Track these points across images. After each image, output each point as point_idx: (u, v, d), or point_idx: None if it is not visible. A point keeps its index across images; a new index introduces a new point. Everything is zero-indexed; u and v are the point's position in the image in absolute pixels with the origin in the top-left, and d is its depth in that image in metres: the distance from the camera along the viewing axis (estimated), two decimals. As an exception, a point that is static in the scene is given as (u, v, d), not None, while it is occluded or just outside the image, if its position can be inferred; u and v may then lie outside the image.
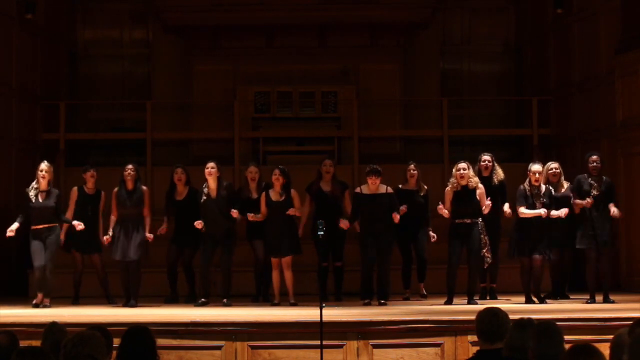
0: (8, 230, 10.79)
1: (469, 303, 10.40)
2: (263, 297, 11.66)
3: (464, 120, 16.03)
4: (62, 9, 15.61)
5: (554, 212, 10.50)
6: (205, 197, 10.83)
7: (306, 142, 15.03)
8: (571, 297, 11.53)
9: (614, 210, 10.62)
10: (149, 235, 10.81)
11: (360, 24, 15.31)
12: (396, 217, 10.65)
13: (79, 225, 10.88)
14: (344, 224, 10.78)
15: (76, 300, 11.56)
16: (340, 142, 15.06)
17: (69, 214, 11.33)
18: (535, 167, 10.70)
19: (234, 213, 10.72)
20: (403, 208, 10.84)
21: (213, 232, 10.80)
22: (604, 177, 10.83)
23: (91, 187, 11.56)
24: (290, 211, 10.78)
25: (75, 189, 11.64)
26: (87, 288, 11.81)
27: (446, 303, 10.48)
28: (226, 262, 10.89)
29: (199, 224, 10.73)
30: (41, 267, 10.70)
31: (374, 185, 10.75)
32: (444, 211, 10.51)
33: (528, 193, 10.59)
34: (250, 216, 10.86)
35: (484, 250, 10.56)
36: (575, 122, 14.21)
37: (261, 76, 15.39)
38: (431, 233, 11.44)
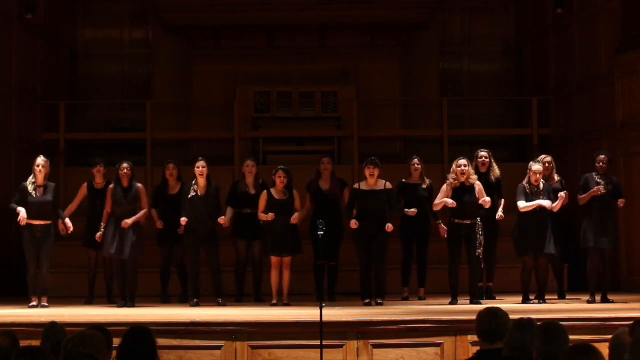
0: (20, 212, 10.68)
1: (472, 303, 10.40)
2: (255, 298, 11.64)
3: (464, 120, 16.03)
4: (62, 9, 15.61)
5: (543, 202, 10.47)
6: (193, 194, 10.84)
7: (306, 142, 15.03)
8: (568, 297, 11.57)
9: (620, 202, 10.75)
10: (127, 222, 10.63)
11: (360, 24, 15.31)
12: (389, 228, 10.58)
13: (68, 225, 10.86)
14: (354, 224, 10.69)
15: (90, 299, 11.57)
16: (340, 142, 15.06)
17: (71, 207, 11.45)
18: (536, 167, 10.69)
19: (222, 220, 10.77)
20: (414, 210, 10.80)
21: (196, 231, 10.80)
22: (612, 177, 10.88)
23: (100, 181, 11.60)
24: (294, 219, 10.80)
25: (85, 185, 11.69)
26: (86, 288, 11.82)
27: (451, 303, 10.48)
28: (215, 262, 10.92)
29: (183, 221, 10.73)
30: (35, 267, 10.67)
31: (373, 179, 10.71)
32: (449, 201, 10.47)
33: (528, 191, 10.60)
34: (263, 217, 10.88)
35: (480, 250, 10.57)
36: (575, 122, 14.21)
37: (261, 76, 15.39)
38: (442, 226, 11.16)
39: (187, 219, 10.77)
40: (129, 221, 10.65)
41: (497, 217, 10.92)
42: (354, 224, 10.60)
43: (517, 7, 16.26)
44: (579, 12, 14.15)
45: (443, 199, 10.50)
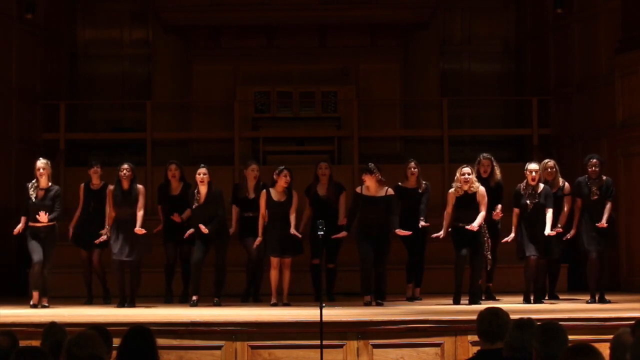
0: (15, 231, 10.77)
1: (471, 303, 10.40)
2: (253, 298, 11.65)
3: (464, 120, 16.03)
4: (62, 9, 15.61)
5: (547, 231, 10.55)
6: (196, 204, 10.84)
7: (306, 142, 15.02)
8: (568, 297, 11.57)
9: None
10: (140, 230, 10.64)
11: (360, 24, 15.31)
12: (401, 232, 10.73)
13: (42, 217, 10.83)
14: (341, 234, 10.81)
15: (90, 299, 11.57)
16: (340, 142, 15.06)
17: (78, 211, 11.49)
18: (532, 165, 10.72)
19: (203, 229, 10.73)
20: (407, 232, 10.83)
21: (202, 234, 10.78)
22: (604, 177, 10.86)
23: (96, 182, 11.60)
24: (294, 232, 10.82)
25: (82, 186, 11.70)
26: (85, 288, 11.81)
27: (454, 302, 10.50)
28: (221, 261, 10.89)
29: (204, 229, 10.70)
30: (40, 262, 10.65)
31: (371, 184, 10.70)
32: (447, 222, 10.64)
33: (523, 192, 10.63)
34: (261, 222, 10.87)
35: (487, 253, 10.62)
36: (575, 122, 14.21)
37: (261, 76, 15.38)
38: (422, 223, 11.22)
39: (192, 230, 10.73)
40: (140, 230, 10.62)
41: (492, 216, 10.96)
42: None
43: (517, 7, 16.26)
44: (579, 12, 14.15)
45: (436, 234, 10.67)
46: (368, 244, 10.62)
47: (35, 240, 10.71)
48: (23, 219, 10.77)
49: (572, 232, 10.96)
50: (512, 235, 10.67)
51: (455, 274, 10.64)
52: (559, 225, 10.87)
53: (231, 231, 11.32)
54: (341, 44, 15.49)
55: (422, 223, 11.17)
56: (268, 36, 15.55)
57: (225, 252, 10.98)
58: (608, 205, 10.74)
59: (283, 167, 11.02)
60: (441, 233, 10.68)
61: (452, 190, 10.69)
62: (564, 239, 11.00)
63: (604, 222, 10.61)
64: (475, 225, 10.45)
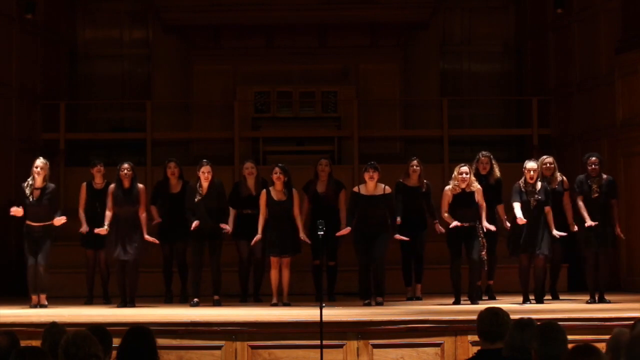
0: (14, 209, 10.68)
1: (472, 303, 10.40)
2: (254, 298, 11.64)
3: (464, 120, 16.03)
4: (62, 9, 15.61)
5: (555, 232, 10.52)
6: (198, 197, 10.83)
7: (306, 142, 15.03)
8: (568, 297, 11.58)
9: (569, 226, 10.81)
10: (149, 238, 10.77)
11: (360, 24, 15.32)
12: (399, 238, 10.79)
13: (58, 222, 10.82)
14: (344, 231, 10.76)
15: (90, 299, 11.55)
16: (340, 142, 15.07)
17: (80, 210, 11.46)
18: (530, 164, 10.71)
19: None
20: (404, 238, 10.84)
21: (201, 230, 10.77)
22: (605, 176, 10.85)
23: (99, 182, 11.60)
24: (303, 237, 10.82)
25: (84, 185, 11.69)
26: (86, 288, 11.81)
27: (454, 303, 10.49)
28: (216, 261, 10.89)
29: (197, 224, 10.69)
30: (33, 265, 10.65)
31: (372, 183, 10.71)
32: (453, 223, 10.52)
33: (523, 189, 10.63)
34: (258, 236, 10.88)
35: (483, 252, 10.60)
36: (575, 122, 14.21)
37: (261, 76, 15.39)
38: (439, 227, 11.20)
39: (197, 222, 10.71)
40: (151, 239, 10.74)
41: (506, 227, 10.99)
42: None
43: (517, 7, 16.26)
44: (579, 12, 14.15)
45: (452, 223, 10.48)
46: (365, 247, 10.62)
47: (30, 240, 10.69)
48: (21, 208, 10.71)
49: (576, 227, 10.92)
50: (524, 220, 10.36)
51: (452, 280, 10.63)
52: (571, 223, 10.91)
53: (228, 230, 11.30)
54: (341, 44, 15.50)
55: (439, 228, 11.17)
56: (268, 36, 15.56)
57: (220, 251, 10.95)
58: (615, 205, 10.77)
59: (276, 165, 11.07)
60: (455, 223, 10.47)
61: (448, 187, 10.67)
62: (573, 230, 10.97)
63: (618, 228, 10.74)
64: (492, 226, 10.60)
